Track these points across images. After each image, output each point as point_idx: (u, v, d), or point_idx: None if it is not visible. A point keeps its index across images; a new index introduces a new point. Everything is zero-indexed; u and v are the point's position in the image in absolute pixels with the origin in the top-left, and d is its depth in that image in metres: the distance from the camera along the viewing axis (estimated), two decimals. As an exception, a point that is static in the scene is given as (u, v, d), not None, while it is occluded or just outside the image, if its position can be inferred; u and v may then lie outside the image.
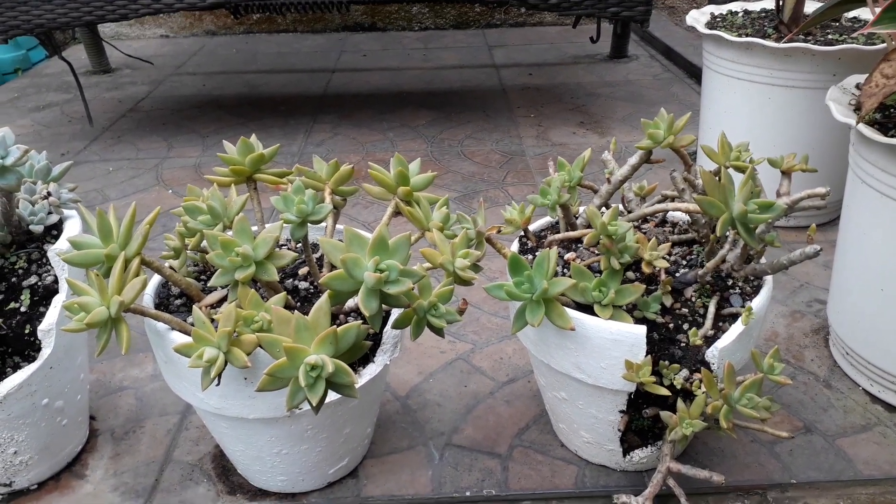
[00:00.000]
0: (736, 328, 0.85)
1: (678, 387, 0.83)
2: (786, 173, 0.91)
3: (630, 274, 0.93)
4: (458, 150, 2.10)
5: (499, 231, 0.91)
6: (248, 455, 0.92)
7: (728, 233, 0.89)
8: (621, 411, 0.91)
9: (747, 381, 0.79)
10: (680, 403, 0.83)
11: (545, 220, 1.06)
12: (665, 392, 0.82)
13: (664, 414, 0.84)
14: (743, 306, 0.88)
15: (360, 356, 0.78)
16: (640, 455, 0.96)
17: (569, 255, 0.96)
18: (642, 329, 0.82)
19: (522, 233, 1.01)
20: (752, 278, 0.93)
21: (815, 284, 1.41)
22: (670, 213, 1.05)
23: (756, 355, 0.81)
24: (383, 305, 0.80)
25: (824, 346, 1.24)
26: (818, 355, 1.22)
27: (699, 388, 0.83)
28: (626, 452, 0.96)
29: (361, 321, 0.81)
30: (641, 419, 0.92)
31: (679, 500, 0.87)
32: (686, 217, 1.03)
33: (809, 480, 0.98)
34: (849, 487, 0.98)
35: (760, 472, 1.00)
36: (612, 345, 0.83)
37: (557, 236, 0.92)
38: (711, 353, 0.84)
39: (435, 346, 1.27)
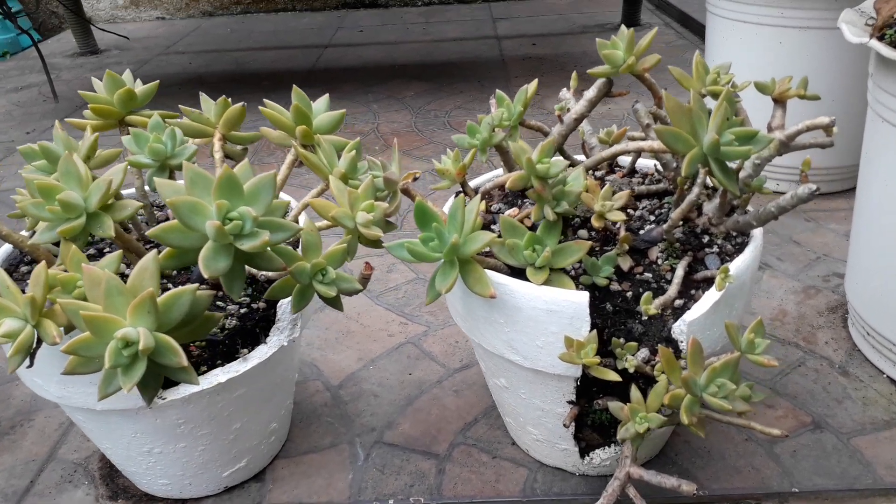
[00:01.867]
0: (710, 296, 0.66)
1: (632, 370, 0.64)
2: (779, 101, 0.71)
3: (583, 233, 0.75)
4: (443, 121, 1.93)
5: (415, 179, 0.74)
6: (117, 454, 0.76)
7: (700, 175, 0.70)
8: (569, 402, 0.73)
9: (717, 362, 0.61)
10: (634, 392, 0.64)
11: (494, 174, 0.88)
12: (615, 377, 0.64)
13: (613, 406, 0.66)
14: (719, 268, 0.69)
15: (208, 332, 0.61)
16: (601, 456, 0.78)
17: (510, 212, 0.79)
18: (584, 296, 0.64)
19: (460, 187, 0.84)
20: (735, 234, 0.74)
21: (834, 256, 1.20)
22: (641, 162, 0.87)
23: (731, 328, 0.62)
24: (259, 271, 0.64)
25: (842, 326, 1.04)
26: (834, 337, 1.02)
27: (661, 372, 0.65)
28: (583, 453, 0.78)
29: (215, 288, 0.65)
30: (597, 412, 0.74)
31: (641, 513, 0.69)
32: (659, 165, 0.84)
33: (816, 489, 0.79)
34: (866, 498, 0.78)
35: (754, 479, 0.81)
36: (548, 316, 0.65)
37: (488, 185, 0.74)
38: (679, 328, 0.66)
39: (383, 328, 1.10)
